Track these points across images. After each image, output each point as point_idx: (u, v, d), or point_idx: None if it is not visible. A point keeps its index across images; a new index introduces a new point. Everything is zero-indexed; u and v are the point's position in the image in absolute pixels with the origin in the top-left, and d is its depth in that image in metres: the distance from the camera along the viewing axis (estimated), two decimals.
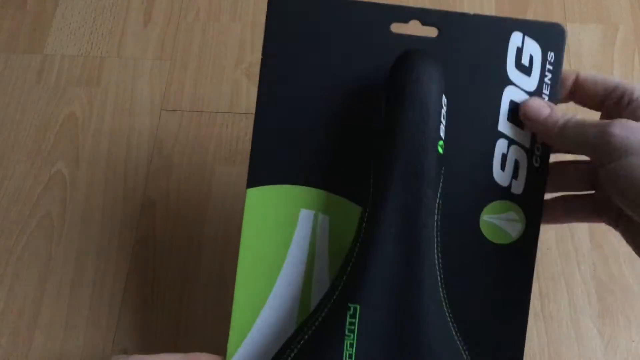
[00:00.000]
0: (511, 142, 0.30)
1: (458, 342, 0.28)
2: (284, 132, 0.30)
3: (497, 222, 0.29)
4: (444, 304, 0.28)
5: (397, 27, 0.31)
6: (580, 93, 0.30)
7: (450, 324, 0.28)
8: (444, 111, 0.29)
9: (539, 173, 0.30)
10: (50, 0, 0.55)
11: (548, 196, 0.31)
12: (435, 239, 0.28)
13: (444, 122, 0.28)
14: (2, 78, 0.52)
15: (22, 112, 0.50)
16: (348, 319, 0.27)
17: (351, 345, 0.26)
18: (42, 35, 0.54)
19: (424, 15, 0.30)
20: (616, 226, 0.30)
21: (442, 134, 0.28)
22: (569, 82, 0.30)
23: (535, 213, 0.29)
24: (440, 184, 0.29)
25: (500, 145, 0.30)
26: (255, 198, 0.31)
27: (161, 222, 0.46)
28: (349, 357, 0.27)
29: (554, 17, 0.51)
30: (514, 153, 0.30)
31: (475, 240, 0.29)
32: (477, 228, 0.29)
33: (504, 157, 0.30)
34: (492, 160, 0.30)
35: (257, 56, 0.51)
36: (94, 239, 0.45)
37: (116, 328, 0.42)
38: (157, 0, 0.55)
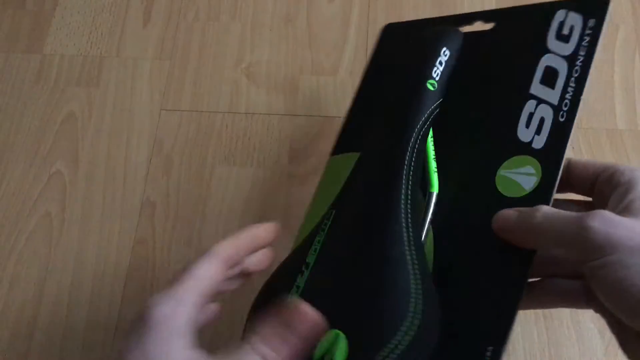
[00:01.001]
0: (540, 101, 0.30)
1: (411, 269, 0.28)
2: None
3: (512, 176, 0.29)
4: (404, 234, 0.29)
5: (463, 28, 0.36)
6: (573, 178, 0.29)
7: (408, 252, 0.28)
8: (441, 59, 0.33)
9: (563, 127, 0.29)
10: (50, 0, 0.55)
11: (539, 277, 0.31)
12: (407, 169, 0.30)
13: (440, 67, 0.33)
14: (2, 78, 0.52)
15: (21, 111, 0.50)
16: (324, 220, 0.33)
17: (319, 241, 0.32)
18: (41, 35, 0.54)
19: (485, 16, 0.36)
20: (603, 315, 0.28)
21: (435, 75, 0.33)
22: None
23: (553, 165, 0.28)
24: (430, 119, 0.32)
25: (529, 106, 0.30)
26: (334, 163, 0.37)
27: (161, 222, 0.45)
28: (314, 251, 0.31)
29: None
30: (541, 111, 0.30)
31: (488, 193, 0.29)
32: (492, 183, 0.30)
33: (531, 115, 0.30)
34: (518, 119, 0.30)
35: (257, 56, 0.51)
36: (94, 239, 0.45)
37: (116, 328, 0.42)
38: (156, 0, 0.55)
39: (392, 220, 0.29)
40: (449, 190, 0.31)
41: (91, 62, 0.52)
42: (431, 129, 0.33)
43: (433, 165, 0.32)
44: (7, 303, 0.43)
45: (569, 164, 0.29)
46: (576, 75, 0.30)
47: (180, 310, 0.24)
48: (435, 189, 0.31)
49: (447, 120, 0.33)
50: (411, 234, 0.28)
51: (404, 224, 0.28)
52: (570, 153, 0.32)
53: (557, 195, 0.29)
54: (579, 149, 0.46)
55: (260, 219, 0.45)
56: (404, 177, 0.30)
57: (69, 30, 0.54)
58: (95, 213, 0.46)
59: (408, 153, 0.31)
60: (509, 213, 0.27)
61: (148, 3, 0.55)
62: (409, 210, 0.29)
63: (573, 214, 0.25)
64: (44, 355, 0.42)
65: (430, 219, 0.31)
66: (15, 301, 0.43)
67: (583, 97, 0.29)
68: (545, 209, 0.26)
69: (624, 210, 0.24)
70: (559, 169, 0.28)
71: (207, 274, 0.26)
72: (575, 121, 0.29)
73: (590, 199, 0.29)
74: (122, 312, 0.43)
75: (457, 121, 0.33)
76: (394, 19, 0.44)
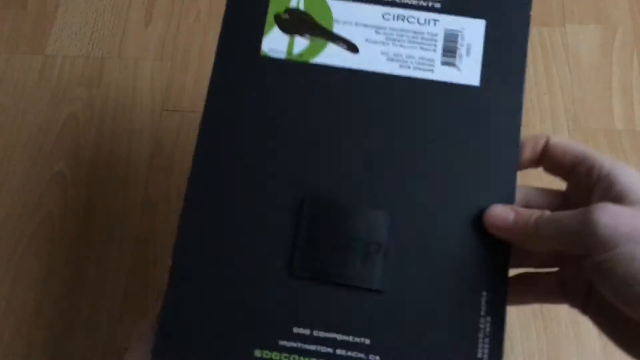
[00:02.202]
0: None
1: None
2: None
3: None
4: None
5: None
6: (549, 159, 0.28)
7: None
8: None
9: None
10: (52, 1, 0.55)
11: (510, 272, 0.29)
12: None
13: None
14: (4, 79, 0.52)
15: (23, 112, 0.51)
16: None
17: None
18: (43, 36, 0.54)
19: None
20: (584, 310, 0.27)
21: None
22: (539, 146, 0.28)
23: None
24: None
25: None
26: None
27: (162, 222, 0.46)
28: None
29: (553, 18, 0.51)
30: None
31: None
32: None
33: None
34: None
35: None
36: (95, 239, 0.45)
37: (116, 328, 0.42)
38: (157, 1, 0.55)
39: None
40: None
41: (93, 63, 0.52)
42: None
43: None
44: (9, 303, 0.44)
45: (548, 143, 0.28)
46: None
47: None
48: None
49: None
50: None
51: None
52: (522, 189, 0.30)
53: (524, 182, 0.29)
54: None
55: None
56: None
57: (71, 31, 0.54)
58: (96, 213, 0.46)
59: None
60: (505, 212, 0.27)
61: (149, 4, 0.55)
62: None
63: (573, 211, 0.24)
64: (46, 356, 0.42)
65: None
66: (18, 300, 0.44)
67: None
68: (538, 212, 0.26)
69: (615, 201, 0.24)
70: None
71: None
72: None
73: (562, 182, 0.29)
74: (123, 312, 0.43)
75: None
76: None
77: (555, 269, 0.29)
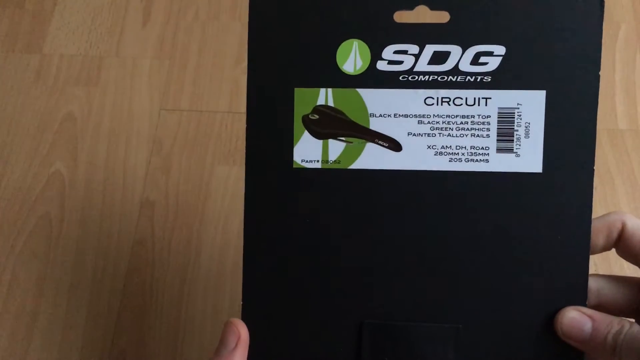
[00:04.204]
0: None
1: None
2: None
3: None
4: None
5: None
6: (626, 247, 0.25)
7: None
8: None
9: None
10: None
11: None
12: None
13: None
14: (1, 77, 0.52)
15: (20, 111, 0.50)
16: None
17: None
18: (40, 34, 0.54)
19: None
20: None
21: None
22: (614, 233, 0.25)
23: None
24: None
25: None
26: None
27: (160, 222, 0.45)
28: None
29: None
30: None
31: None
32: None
33: None
34: None
35: None
36: (93, 239, 0.45)
37: (115, 328, 0.42)
38: (156, 0, 0.54)
39: None
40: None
41: (90, 62, 0.52)
42: None
43: None
44: (6, 304, 0.43)
45: (625, 228, 0.25)
46: None
47: None
48: None
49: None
50: None
51: None
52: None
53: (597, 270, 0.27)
54: None
55: None
56: None
57: (68, 30, 0.54)
58: (94, 213, 0.46)
59: None
60: (581, 320, 0.24)
61: (147, 2, 0.54)
62: None
63: None
64: (43, 356, 0.42)
65: None
66: (15, 302, 0.43)
67: None
68: (618, 327, 0.23)
69: None
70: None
71: None
72: None
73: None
74: (122, 312, 0.43)
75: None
76: None
77: None
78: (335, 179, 0.26)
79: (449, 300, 0.26)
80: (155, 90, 0.51)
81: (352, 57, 0.26)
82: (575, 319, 0.24)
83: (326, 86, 0.26)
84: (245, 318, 0.26)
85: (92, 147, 0.48)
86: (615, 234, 0.25)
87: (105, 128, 0.49)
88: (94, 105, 0.50)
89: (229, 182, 0.47)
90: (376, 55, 0.26)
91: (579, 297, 0.25)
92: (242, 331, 0.25)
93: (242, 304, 0.26)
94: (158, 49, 0.52)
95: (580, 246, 0.25)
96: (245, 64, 0.51)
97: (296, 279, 0.26)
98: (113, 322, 0.42)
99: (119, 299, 0.43)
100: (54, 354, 0.42)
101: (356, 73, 0.26)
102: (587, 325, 0.24)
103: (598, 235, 0.26)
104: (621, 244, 0.26)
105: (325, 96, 0.26)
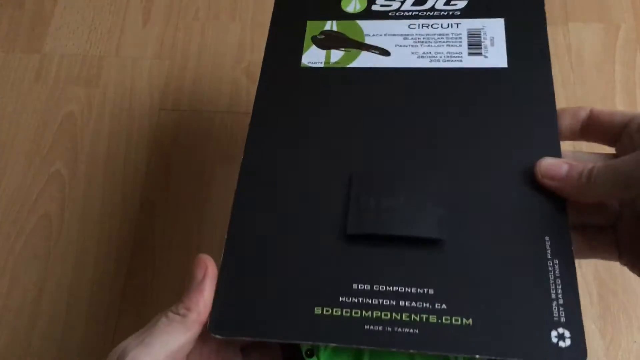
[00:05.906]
0: None
1: None
2: None
3: None
4: None
5: None
6: (595, 125, 0.28)
7: None
8: None
9: None
10: None
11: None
12: None
13: None
14: (1, 77, 0.52)
15: (20, 111, 0.50)
16: None
17: None
18: (40, 34, 0.54)
19: None
20: (632, 269, 0.28)
21: None
22: (580, 115, 0.29)
23: None
24: None
25: None
26: None
27: (160, 221, 0.45)
28: None
29: (556, 16, 0.51)
30: None
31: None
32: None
33: None
34: None
35: (257, 55, 0.51)
36: (93, 239, 0.45)
37: (115, 328, 0.42)
38: (156, 0, 0.55)
39: None
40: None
41: (90, 62, 0.52)
42: None
43: None
44: (6, 303, 0.43)
45: (591, 113, 0.29)
46: None
47: None
48: None
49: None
50: None
51: None
52: (570, 154, 0.31)
53: (569, 148, 0.29)
54: (580, 148, 0.46)
55: None
56: None
57: (68, 30, 0.54)
58: (94, 213, 0.46)
59: None
60: (557, 163, 0.27)
61: (147, 2, 0.54)
62: None
63: (627, 156, 0.24)
64: (43, 356, 0.42)
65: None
66: (14, 301, 0.43)
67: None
68: (590, 164, 0.26)
69: None
70: None
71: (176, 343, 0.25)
72: None
73: (612, 149, 0.29)
74: (121, 312, 0.43)
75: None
76: None
77: (611, 227, 0.29)
78: (335, 75, 0.32)
79: (437, 159, 0.29)
80: (155, 90, 0.51)
81: (353, 2, 0.35)
82: (553, 162, 0.27)
83: (332, 19, 0.34)
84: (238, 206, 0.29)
85: (92, 147, 0.49)
86: (582, 115, 0.29)
87: (105, 128, 0.49)
88: (94, 105, 0.50)
89: (229, 182, 0.47)
90: (371, 0, 0.35)
91: (554, 155, 0.28)
92: (210, 265, 0.26)
93: (243, 161, 0.31)
94: (158, 49, 0.52)
95: (549, 116, 0.29)
96: (245, 64, 0.51)
97: (294, 139, 0.31)
98: (113, 322, 0.42)
99: (119, 299, 0.43)
100: (54, 354, 0.42)
101: (355, 12, 0.35)
102: (564, 166, 0.26)
103: (564, 115, 0.29)
104: (591, 123, 0.29)
105: (330, 25, 0.34)
